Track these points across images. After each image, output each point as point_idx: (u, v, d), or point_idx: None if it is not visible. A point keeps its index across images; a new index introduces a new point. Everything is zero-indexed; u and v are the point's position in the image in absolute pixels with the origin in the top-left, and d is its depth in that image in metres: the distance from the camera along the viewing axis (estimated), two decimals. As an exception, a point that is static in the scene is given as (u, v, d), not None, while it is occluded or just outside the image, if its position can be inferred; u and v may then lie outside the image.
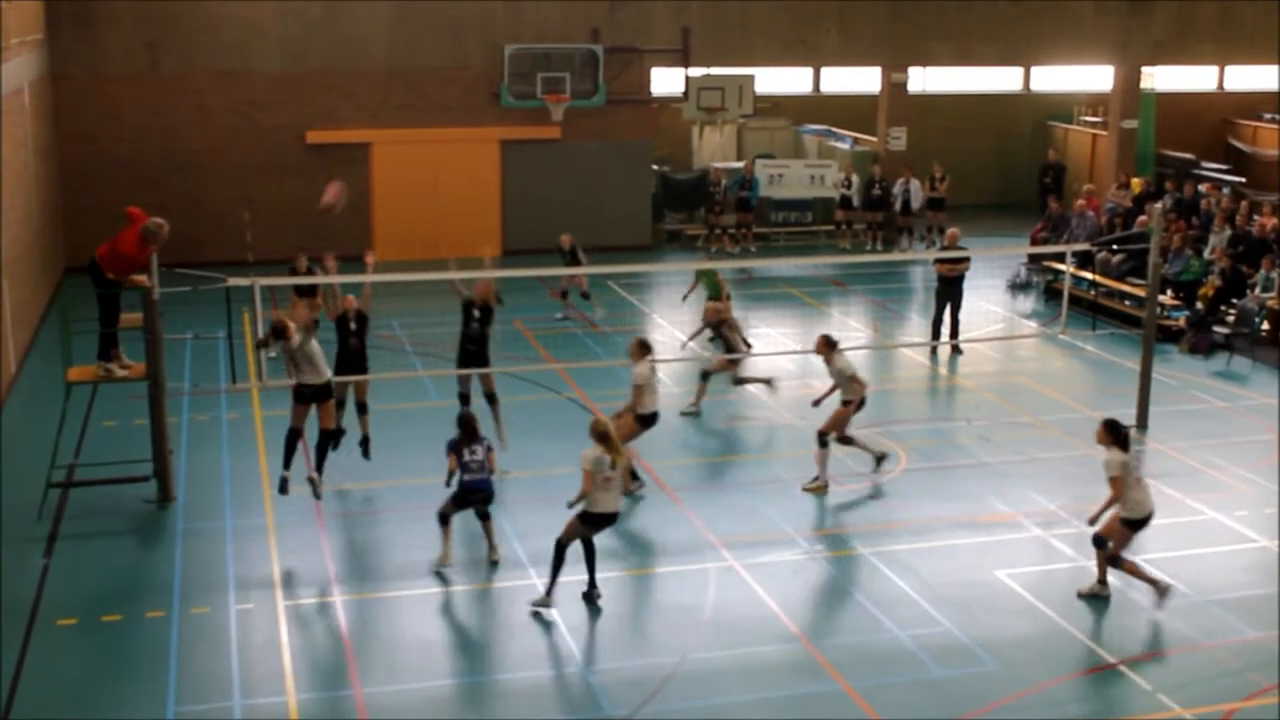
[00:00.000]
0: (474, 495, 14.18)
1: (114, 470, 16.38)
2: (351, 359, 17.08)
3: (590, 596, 13.54)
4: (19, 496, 16.02)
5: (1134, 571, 13.64)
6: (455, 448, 14.19)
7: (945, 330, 22.80)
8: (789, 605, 13.74)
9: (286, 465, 15.64)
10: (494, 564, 14.46)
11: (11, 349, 20.46)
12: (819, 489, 16.63)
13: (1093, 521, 13.63)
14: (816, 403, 17.53)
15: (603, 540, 14.58)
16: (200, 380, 20.62)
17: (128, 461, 16.50)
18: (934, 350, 23.00)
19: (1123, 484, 13.25)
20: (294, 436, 15.68)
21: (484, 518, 14.49)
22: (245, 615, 13.44)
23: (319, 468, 15.70)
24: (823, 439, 16.68)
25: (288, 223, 28.87)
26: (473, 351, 17.31)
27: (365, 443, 17.23)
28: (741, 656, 12.69)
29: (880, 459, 17.02)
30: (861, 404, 16.94)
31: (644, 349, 16.37)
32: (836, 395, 16.97)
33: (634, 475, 16.31)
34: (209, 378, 20.67)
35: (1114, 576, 14.03)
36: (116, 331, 16.18)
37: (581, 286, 24.36)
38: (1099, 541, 13.65)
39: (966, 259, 22.68)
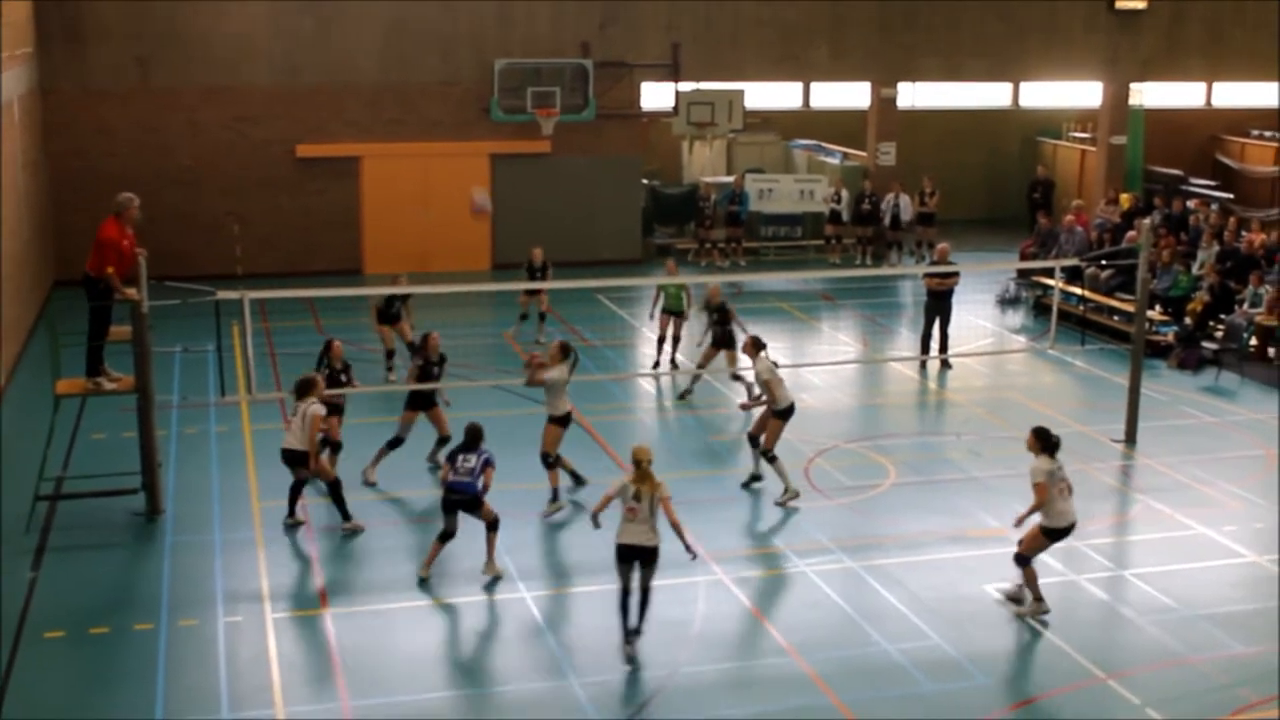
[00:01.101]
0: (453, 495, 14.20)
1: (102, 483, 16.34)
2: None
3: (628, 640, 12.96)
4: (7, 509, 15.97)
5: (1031, 580, 13.70)
6: (451, 455, 14.43)
7: (935, 344, 22.82)
8: (778, 619, 13.74)
9: (291, 513, 15.89)
10: (495, 579, 14.45)
11: (1, 361, 20.41)
12: (791, 498, 16.65)
13: (1018, 523, 13.72)
14: (744, 407, 17.47)
15: (591, 553, 14.59)
16: (189, 393, 20.58)
17: (116, 474, 16.46)
18: (923, 365, 23.02)
19: (1047, 491, 13.34)
20: (297, 487, 15.92)
21: (490, 527, 14.46)
22: (234, 628, 13.40)
23: (345, 517, 15.76)
24: (768, 456, 16.75)
25: (278, 236, 28.92)
26: (427, 396, 17.37)
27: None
28: (731, 670, 12.70)
29: (790, 495, 16.78)
30: (788, 413, 16.79)
31: (564, 351, 16.43)
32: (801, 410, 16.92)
33: (555, 496, 16.42)
34: (198, 391, 20.64)
35: (1105, 593, 14.05)
36: (103, 347, 16.15)
37: (541, 306, 23.74)
38: (1021, 560, 13.74)
39: (956, 274, 22.71)
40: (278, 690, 12.24)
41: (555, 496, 16.34)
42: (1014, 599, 13.99)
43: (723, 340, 20.39)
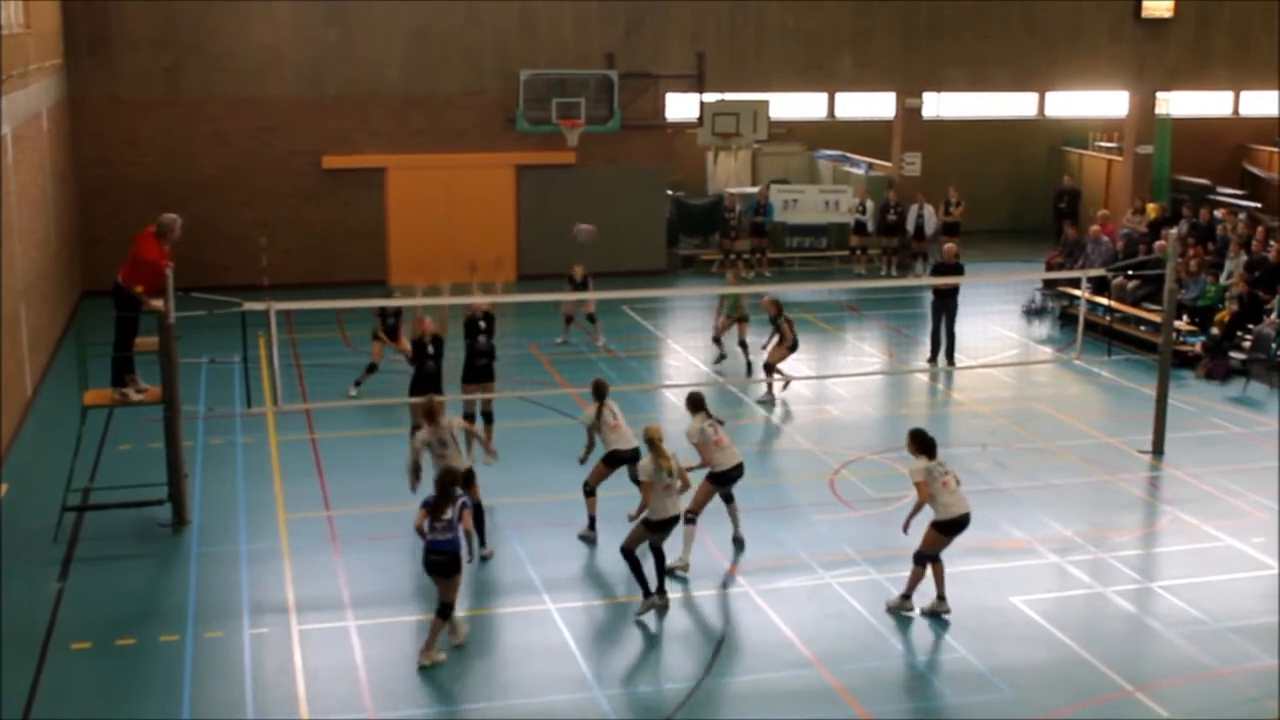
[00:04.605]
0: (432, 555, 12.87)
1: (129, 494, 16.39)
2: (428, 379, 17.18)
3: (659, 602, 13.95)
4: (35, 519, 16.04)
5: (915, 580, 14.00)
6: (431, 505, 13.05)
7: (944, 344, 23.13)
8: (803, 631, 13.69)
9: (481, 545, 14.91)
10: (425, 666, 12.92)
11: (28, 372, 20.53)
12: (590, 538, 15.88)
13: (906, 528, 14.04)
14: (582, 460, 16.23)
15: (616, 565, 14.59)
16: (215, 404, 20.66)
17: (143, 485, 16.51)
18: (933, 359, 23.22)
19: (927, 489, 13.81)
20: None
21: (442, 613, 13.03)
22: (259, 639, 13.43)
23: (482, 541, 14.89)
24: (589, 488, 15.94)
25: (303, 247, 29.01)
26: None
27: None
28: (756, 682, 12.65)
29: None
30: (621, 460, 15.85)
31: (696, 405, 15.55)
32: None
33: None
34: (224, 402, 20.71)
35: (1133, 606, 13.99)
36: (132, 356, 16.23)
37: (587, 310, 24.28)
38: (920, 559, 13.99)
39: (959, 272, 23.06)
40: (303, 702, 12.25)
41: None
42: (930, 611, 14.01)
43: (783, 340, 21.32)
